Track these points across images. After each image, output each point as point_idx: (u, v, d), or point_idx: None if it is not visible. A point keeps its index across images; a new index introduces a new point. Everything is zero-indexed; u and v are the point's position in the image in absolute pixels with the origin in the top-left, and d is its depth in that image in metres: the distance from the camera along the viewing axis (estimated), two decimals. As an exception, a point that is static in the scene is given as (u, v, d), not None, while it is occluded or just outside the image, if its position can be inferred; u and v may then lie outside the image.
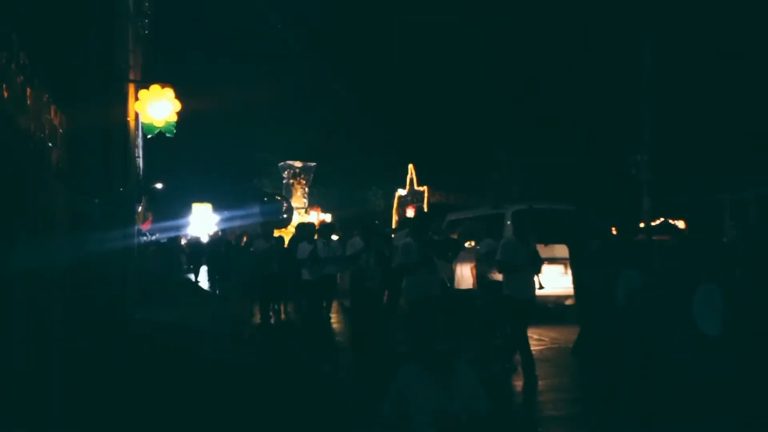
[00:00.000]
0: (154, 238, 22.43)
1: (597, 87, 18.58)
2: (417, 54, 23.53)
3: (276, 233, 13.36)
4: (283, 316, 12.73)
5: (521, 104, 20.72)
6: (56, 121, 5.02)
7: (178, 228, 27.80)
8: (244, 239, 15.25)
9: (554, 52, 19.80)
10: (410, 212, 20.26)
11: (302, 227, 11.70)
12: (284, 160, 28.80)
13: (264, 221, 16.58)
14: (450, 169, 22.93)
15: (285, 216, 17.44)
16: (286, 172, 24.48)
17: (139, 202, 11.31)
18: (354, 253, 8.90)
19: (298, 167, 24.31)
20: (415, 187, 20.87)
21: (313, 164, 24.55)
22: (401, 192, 22.08)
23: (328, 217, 21.05)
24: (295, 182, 24.14)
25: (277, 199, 18.72)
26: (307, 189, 24.22)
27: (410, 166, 21.14)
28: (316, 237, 10.80)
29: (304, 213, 21.83)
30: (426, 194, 20.13)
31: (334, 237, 12.49)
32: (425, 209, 19.39)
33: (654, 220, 15.79)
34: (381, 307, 8.34)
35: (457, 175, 22.74)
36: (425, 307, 6.46)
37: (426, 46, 23.14)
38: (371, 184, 27.38)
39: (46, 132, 4.69)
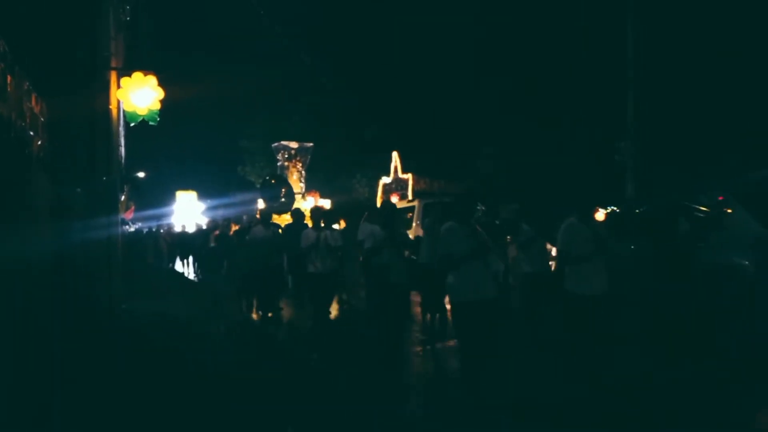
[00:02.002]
0: (136, 227, 22.27)
1: (582, 75, 18.65)
2: (401, 41, 23.44)
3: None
4: (285, 312, 11.53)
5: (506, 92, 20.74)
6: (37, 110, 4.95)
7: (162, 217, 27.56)
8: (233, 228, 14.45)
9: (540, 41, 19.82)
10: (394, 199, 20.23)
11: (315, 211, 10.38)
12: (269, 142, 28.66)
13: (264, 207, 15.69)
14: (435, 157, 22.92)
15: (284, 200, 16.10)
16: (280, 154, 22.74)
17: (122, 191, 11.20)
18: (375, 245, 7.70)
19: (293, 148, 22.67)
20: (400, 175, 20.82)
21: (309, 145, 22.92)
22: (385, 180, 22.01)
23: (326, 203, 19.89)
24: (291, 165, 22.47)
25: (274, 183, 17.52)
26: (303, 172, 22.60)
27: (395, 154, 21.08)
28: (322, 224, 9.73)
29: (301, 198, 20.64)
30: (411, 182, 20.09)
31: (336, 226, 11.23)
32: (409, 197, 19.36)
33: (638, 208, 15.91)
34: (408, 307, 7.67)
35: (441, 163, 22.74)
36: (476, 314, 5.49)
37: (411, 34, 23.05)
38: (356, 171, 27.30)
39: (27, 120, 4.63)
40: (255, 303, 11.60)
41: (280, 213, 15.42)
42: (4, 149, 3.95)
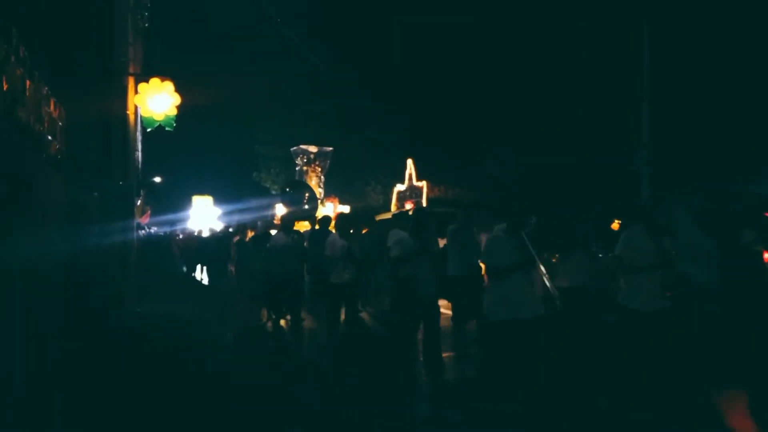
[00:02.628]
0: (152, 231, 22.33)
1: (597, 83, 18.58)
2: (417, 48, 23.45)
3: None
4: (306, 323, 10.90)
5: (520, 99, 20.69)
6: (56, 114, 5.02)
7: (177, 222, 27.69)
8: (249, 234, 13.73)
9: (554, 49, 19.77)
10: (408, 207, 20.21)
11: (342, 218, 9.79)
12: (286, 149, 28.68)
13: (286, 213, 14.82)
14: (449, 164, 22.89)
15: (308, 206, 15.18)
16: (299, 158, 21.89)
17: (138, 195, 11.30)
18: (402, 254, 6.81)
19: (312, 152, 21.80)
20: (414, 183, 20.81)
21: (329, 149, 22.03)
22: (400, 187, 22.00)
23: (346, 209, 19.27)
24: (310, 169, 21.57)
25: (297, 187, 16.44)
26: (322, 177, 21.57)
27: (409, 161, 21.09)
28: (351, 231, 9.17)
29: (320, 204, 20.00)
30: (425, 190, 20.09)
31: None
32: (423, 205, 19.34)
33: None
34: (437, 322, 7.01)
35: (455, 170, 22.71)
36: (512, 335, 5.23)
37: (427, 40, 23.06)
38: (370, 178, 27.32)
39: (46, 125, 4.70)
40: (269, 310, 11.22)
41: (303, 219, 14.71)
42: (22, 153, 4.02)
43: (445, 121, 23.66)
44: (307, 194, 15.85)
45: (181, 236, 23.37)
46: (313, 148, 22.11)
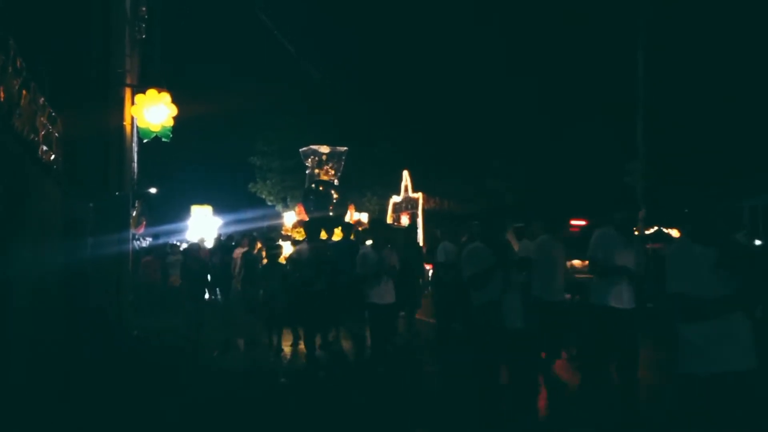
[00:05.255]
0: (147, 243, 22.08)
1: (592, 93, 18.69)
2: (414, 61, 23.58)
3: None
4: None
5: (517, 110, 20.81)
6: (52, 125, 5.02)
7: (175, 233, 27.48)
8: (257, 246, 12.14)
9: (550, 59, 19.91)
10: (405, 219, 20.22)
11: (376, 227, 8.74)
12: (280, 161, 28.60)
13: (309, 219, 12.69)
14: (445, 175, 22.95)
15: (335, 211, 13.07)
16: (309, 160, 19.75)
17: (134, 206, 11.27)
18: (479, 272, 5.15)
19: (324, 153, 19.54)
20: (410, 194, 20.83)
21: (343, 149, 19.72)
22: (396, 198, 22.01)
23: (364, 217, 17.61)
24: (321, 172, 19.23)
25: (322, 190, 14.11)
26: (336, 181, 18.89)
27: (405, 173, 21.13)
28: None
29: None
30: (421, 201, 20.10)
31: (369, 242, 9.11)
32: (419, 217, 19.33)
33: (648, 229, 15.86)
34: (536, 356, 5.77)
35: (451, 182, 22.76)
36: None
37: (422, 51, 23.20)
38: (366, 189, 27.35)
39: (41, 135, 4.69)
40: (299, 334, 9.68)
41: (330, 227, 12.35)
42: (19, 163, 4.01)
43: (442, 133, 23.76)
44: (334, 197, 13.98)
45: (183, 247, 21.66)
46: (324, 149, 19.91)
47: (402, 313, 9.51)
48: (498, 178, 22.61)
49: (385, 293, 7.19)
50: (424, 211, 20.29)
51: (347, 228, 10.40)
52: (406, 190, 21.56)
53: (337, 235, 11.86)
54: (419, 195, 20.56)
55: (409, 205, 20.89)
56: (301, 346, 9.24)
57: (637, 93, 15.98)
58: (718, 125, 15.90)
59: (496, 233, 5.35)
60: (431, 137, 24.19)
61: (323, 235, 10.54)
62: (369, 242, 8.08)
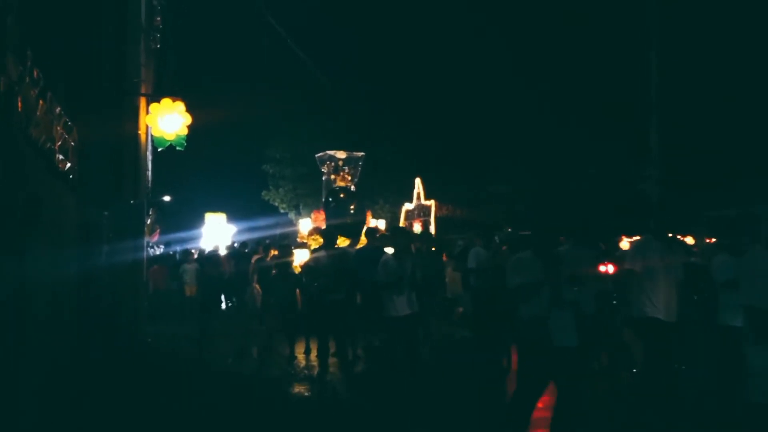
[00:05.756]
0: (160, 250, 22.11)
1: (605, 101, 18.62)
2: (425, 67, 23.62)
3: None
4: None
5: (528, 117, 20.78)
6: (68, 134, 5.07)
7: (189, 240, 27.55)
8: (272, 253, 11.79)
9: (563, 66, 19.86)
10: (417, 227, 20.20)
11: (397, 233, 8.15)
12: (292, 168, 28.67)
13: (329, 225, 12.37)
14: (455, 182, 22.92)
15: (354, 217, 12.38)
16: (325, 166, 19.23)
17: (148, 214, 11.35)
18: (527, 282, 4.83)
19: (340, 159, 19.07)
20: (422, 201, 20.83)
21: (360, 154, 19.38)
22: (408, 206, 22.00)
23: (381, 224, 17.27)
24: (338, 178, 18.67)
25: (344, 197, 13.45)
26: (353, 187, 18.70)
27: (417, 180, 21.12)
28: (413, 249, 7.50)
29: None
30: (433, 209, 20.09)
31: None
32: (432, 224, 19.32)
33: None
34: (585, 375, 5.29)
35: (461, 188, 22.72)
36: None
37: (432, 56, 23.23)
38: (378, 197, 27.38)
39: (58, 144, 4.75)
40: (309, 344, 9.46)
41: (350, 234, 11.86)
42: (35, 172, 4.06)
43: (454, 140, 23.76)
44: (353, 204, 13.33)
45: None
46: (341, 154, 19.44)
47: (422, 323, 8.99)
48: (507, 184, 22.57)
49: (405, 304, 6.84)
50: (436, 218, 20.27)
51: (370, 234, 9.94)
52: (418, 197, 21.56)
53: (361, 242, 11.37)
54: (432, 202, 20.54)
55: (422, 212, 20.87)
56: (313, 354, 9.07)
57: (651, 97, 15.92)
58: (733, 129, 15.76)
59: (550, 245, 5.04)
60: (442, 143, 24.19)
61: (345, 242, 10.35)
62: (389, 250, 7.78)
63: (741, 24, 15.55)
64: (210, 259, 10.13)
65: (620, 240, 11.46)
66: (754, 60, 15.27)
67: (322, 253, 8.39)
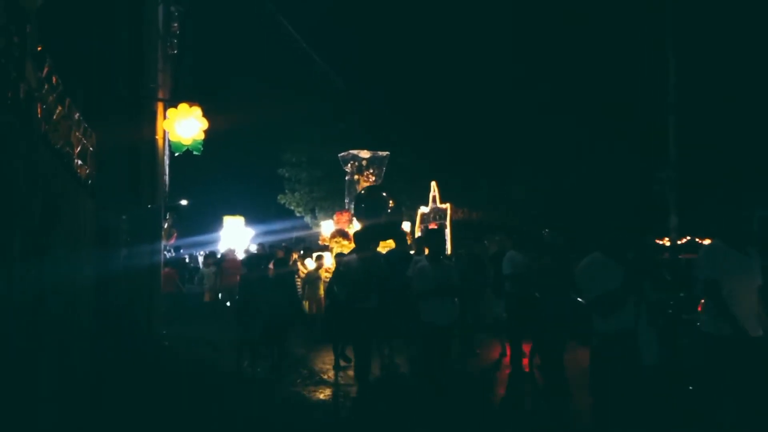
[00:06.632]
0: (181, 253, 22.18)
1: (622, 102, 18.49)
2: (440, 71, 23.60)
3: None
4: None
5: (544, 120, 20.68)
6: (86, 139, 5.14)
7: (206, 244, 27.72)
8: (295, 256, 11.23)
9: (580, 68, 19.76)
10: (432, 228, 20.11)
11: (432, 235, 7.69)
12: (308, 171, 28.73)
13: (362, 228, 11.51)
14: (470, 185, 22.85)
15: (391, 217, 11.47)
16: (348, 165, 18.66)
17: (165, 218, 11.45)
18: (607, 292, 4.08)
19: (364, 158, 18.43)
20: (438, 205, 20.80)
21: (384, 154, 18.72)
22: (423, 209, 21.99)
23: (406, 226, 17.02)
24: (361, 178, 18.06)
25: (377, 195, 12.59)
26: None
27: (433, 183, 21.09)
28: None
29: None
30: (449, 212, 20.04)
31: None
32: (447, 227, 19.26)
33: (681, 239, 15.59)
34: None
35: (480, 192, 22.66)
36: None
37: (447, 58, 23.20)
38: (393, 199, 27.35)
39: (77, 149, 4.81)
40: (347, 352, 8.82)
41: (385, 237, 11.01)
42: (54, 176, 4.12)
43: (470, 143, 23.69)
44: (390, 202, 12.19)
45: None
46: (365, 153, 18.95)
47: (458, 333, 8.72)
48: (523, 186, 22.47)
49: (443, 312, 6.45)
50: (452, 221, 20.22)
51: (400, 237, 9.38)
52: (434, 200, 21.53)
53: (387, 245, 11.04)
54: (447, 206, 20.50)
55: (438, 215, 20.84)
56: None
57: (668, 99, 15.77)
58: (752, 131, 15.58)
59: (626, 246, 4.30)
60: (459, 146, 24.13)
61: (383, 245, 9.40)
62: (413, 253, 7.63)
63: (759, 23, 15.38)
64: (251, 261, 9.53)
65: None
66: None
67: (353, 257, 7.73)
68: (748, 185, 14.69)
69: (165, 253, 13.27)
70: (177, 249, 21.57)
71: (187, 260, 20.52)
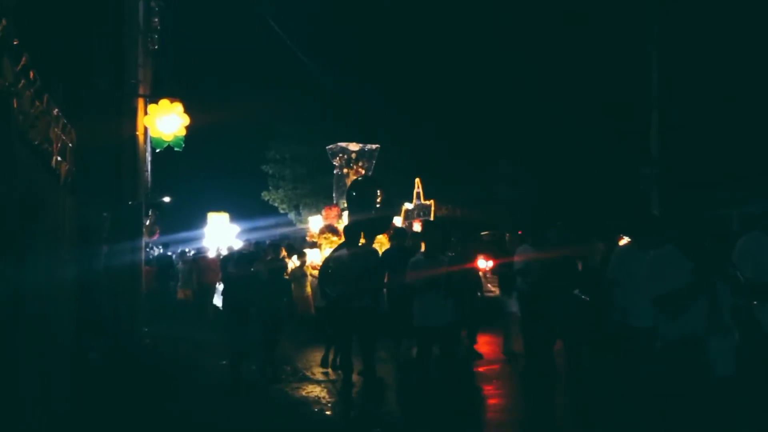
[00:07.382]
0: (160, 251, 22.02)
1: (605, 98, 18.59)
2: (422, 64, 23.60)
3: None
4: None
5: (528, 115, 20.76)
6: (66, 136, 5.07)
7: (189, 241, 27.45)
8: (284, 253, 10.89)
9: (562, 62, 19.83)
10: (417, 226, 20.14)
11: (430, 227, 7.50)
12: (291, 167, 28.61)
13: (351, 221, 10.97)
14: (454, 181, 22.90)
15: (382, 210, 11.12)
16: (336, 159, 17.89)
17: (147, 215, 11.35)
18: (676, 290, 3.69)
19: (353, 151, 17.74)
20: (422, 201, 20.81)
21: (374, 147, 18.11)
22: (408, 206, 21.97)
23: (398, 221, 16.46)
24: (351, 171, 17.45)
25: (367, 188, 12.20)
26: None
27: (417, 180, 21.12)
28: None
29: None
30: (433, 208, 20.06)
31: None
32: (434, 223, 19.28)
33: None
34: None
35: (464, 190, 22.71)
36: None
37: (431, 54, 23.21)
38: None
39: (56, 146, 4.74)
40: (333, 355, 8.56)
41: (377, 231, 10.34)
42: (31, 174, 4.05)
43: (455, 141, 23.73)
44: (379, 194, 11.77)
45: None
46: (353, 146, 18.14)
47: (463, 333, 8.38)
48: (508, 184, 22.56)
49: (438, 312, 6.12)
50: (435, 218, 20.25)
51: (399, 233, 9.03)
52: (418, 197, 21.54)
53: (380, 240, 10.54)
54: (431, 202, 20.53)
55: (422, 212, 20.84)
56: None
57: (651, 95, 15.85)
58: (736, 128, 15.70)
59: (700, 239, 3.77)
60: (441, 143, 24.16)
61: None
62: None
63: (744, 21, 15.50)
64: (243, 257, 9.01)
65: (620, 239, 11.40)
66: (756, 59, 15.22)
67: (343, 252, 7.18)
68: (730, 183, 14.83)
69: (148, 250, 13.21)
70: (165, 246, 21.19)
71: (174, 258, 20.37)
